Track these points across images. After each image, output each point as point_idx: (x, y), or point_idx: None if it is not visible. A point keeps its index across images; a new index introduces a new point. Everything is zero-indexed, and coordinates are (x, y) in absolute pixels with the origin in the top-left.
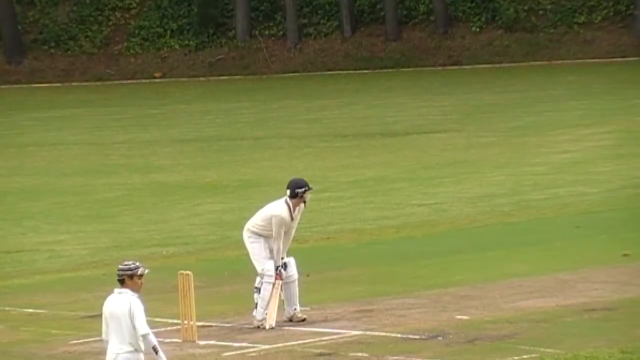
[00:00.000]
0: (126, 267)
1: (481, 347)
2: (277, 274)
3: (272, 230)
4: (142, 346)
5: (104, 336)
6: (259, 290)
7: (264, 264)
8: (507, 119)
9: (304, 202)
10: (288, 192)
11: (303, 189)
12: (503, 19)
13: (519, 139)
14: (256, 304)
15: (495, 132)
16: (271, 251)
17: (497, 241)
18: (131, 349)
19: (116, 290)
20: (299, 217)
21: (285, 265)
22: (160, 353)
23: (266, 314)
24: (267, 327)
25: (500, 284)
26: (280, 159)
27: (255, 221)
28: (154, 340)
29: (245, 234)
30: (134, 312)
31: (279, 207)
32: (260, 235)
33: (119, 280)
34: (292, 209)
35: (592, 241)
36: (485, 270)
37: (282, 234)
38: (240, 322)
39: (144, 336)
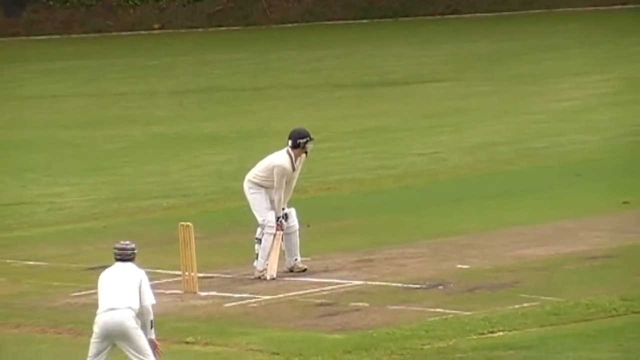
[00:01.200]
0: (133, 245)
1: (482, 295)
2: (278, 225)
3: (273, 181)
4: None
5: (101, 300)
6: (259, 241)
7: (265, 214)
8: (507, 68)
9: (306, 152)
10: (290, 142)
11: (305, 139)
12: None
13: (518, 88)
14: (257, 254)
15: (495, 81)
16: (272, 202)
17: (497, 190)
18: (130, 309)
19: (118, 263)
20: (300, 167)
21: (286, 216)
22: (153, 329)
23: (267, 264)
24: (268, 277)
25: (501, 232)
26: (280, 109)
27: (256, 172)
28: (152, 314)
29: (246, 185)
30: (144, 280)
31: (280, 158)
32: (261, 186)
33: (129, 259)
34: (293, 159)
35: (592, 189)
36: (485, 219)
37: (284, 184)
38: (241, 273)
39: (151, 305)
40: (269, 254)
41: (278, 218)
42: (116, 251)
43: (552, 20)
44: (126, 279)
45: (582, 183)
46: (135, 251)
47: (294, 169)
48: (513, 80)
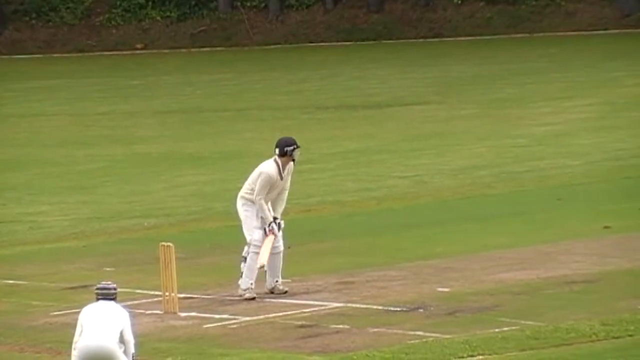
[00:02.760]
0: (112, 286)
1: (462, 319)
2: (270, 230)
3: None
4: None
5: (77, 336)
6: (245, 259)
7: (252, 233)
8: (489, 91)
9: (293, 160)
10: (277, 150)
11: (292, 147)
12: None
13: (500, 111)
14: (242, 273)
15: (477, 104)
16: (261, 219)
17: (478, 213)
18: (113, 342)
19: (101, 301)
20: (289, 177)
21: (279, 226)
22: None
23: (251, 283)
24: (258, 266)
25: (481, 256)
26: (262, 130)
27: (247, 186)
28: (134, 349)
29: (239, 202)
30: (126, 319)
31: (267, 165)
32: (253, 201)
33: (111, 299)
34: (281, 167)
35: (573, 213)
36: (466, 242)
37: (266, 191)
38: (222, 294)
39: (133, 344)
40: (262, 251)
41: (269, 223)
42: (98, 291)
43: (534, 44)
44: (110, 316)
45: (563, 207)
46: (117, 291)
47: (281, 177)
48: (495, 103)
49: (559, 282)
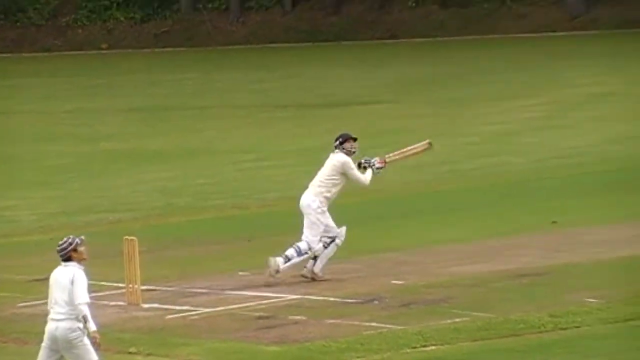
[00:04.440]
0: (66, 244)
1: (416, 310)
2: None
3: (338, 180)
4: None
5: (49, 305)
6: (326, 245)
7: (337, 228)
8: (443, 91)
9: (353, 151)
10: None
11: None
12: None
13: (453, 111)
14: (316, 256)
15: (431, 103)
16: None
17: (431, 209)
18: (71, 316)
19: (63, 263)
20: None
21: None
22: (90, 322)
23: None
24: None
25: (434, 250)
26: (223, 128)
27: (320, 180)
28: (85, 310)
29: (314, 203)
30: (75, 281)
31: (340, 156)
32: (328, 198)
33: (64, 259)
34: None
35: (521, 209)
36: (420, 237)
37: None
38: (183, 286)
39: (79, 304)
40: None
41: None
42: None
43: (485, 45)
44: (62, 283)
45: (512, 203)
46: (69, 248)
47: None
48: (449, 103)
49: (509, 275)
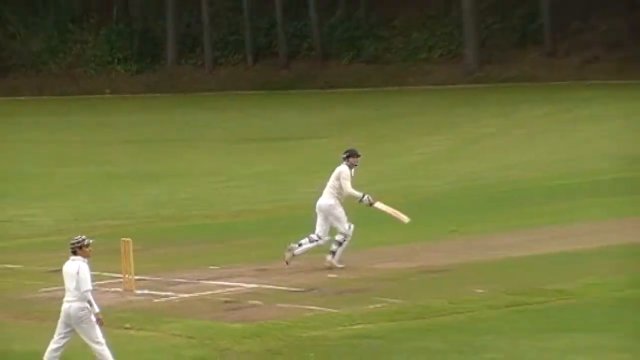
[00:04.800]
0: (75, 240)
1: (347, 297)
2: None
3: (339, 184)
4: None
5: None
6: (340, 244)
7: (347, 225)
8: (371, 129)
9: (355, 165)
10: (346, 156)
11: (350, 155)
12: (365, 55)
13: (380, 145)
14: (332, 251)
15: (362, 139)
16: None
17: (363, 219)
18: (79, 298)
19: (71, 257)
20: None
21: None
22: (94, 305)
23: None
24: (406, 221)
25: (365, 251)
26: (200, 155)
27: (330, 185)
28: (89, 296)
29: (330, 202)
30: (80, 273)
31: (342, 167)
32: (339, 199)
33: (72, 251)
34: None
35: (434, 220)
36: (353, 240)
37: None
38: (168, 277)
39: (84, 291)
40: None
41: (364, 195)
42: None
43: (402, 94)
44: (70, 273)
45: (428, 215)
46: (78, 244)
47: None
48: (376, 139)
49: (420, 271)
